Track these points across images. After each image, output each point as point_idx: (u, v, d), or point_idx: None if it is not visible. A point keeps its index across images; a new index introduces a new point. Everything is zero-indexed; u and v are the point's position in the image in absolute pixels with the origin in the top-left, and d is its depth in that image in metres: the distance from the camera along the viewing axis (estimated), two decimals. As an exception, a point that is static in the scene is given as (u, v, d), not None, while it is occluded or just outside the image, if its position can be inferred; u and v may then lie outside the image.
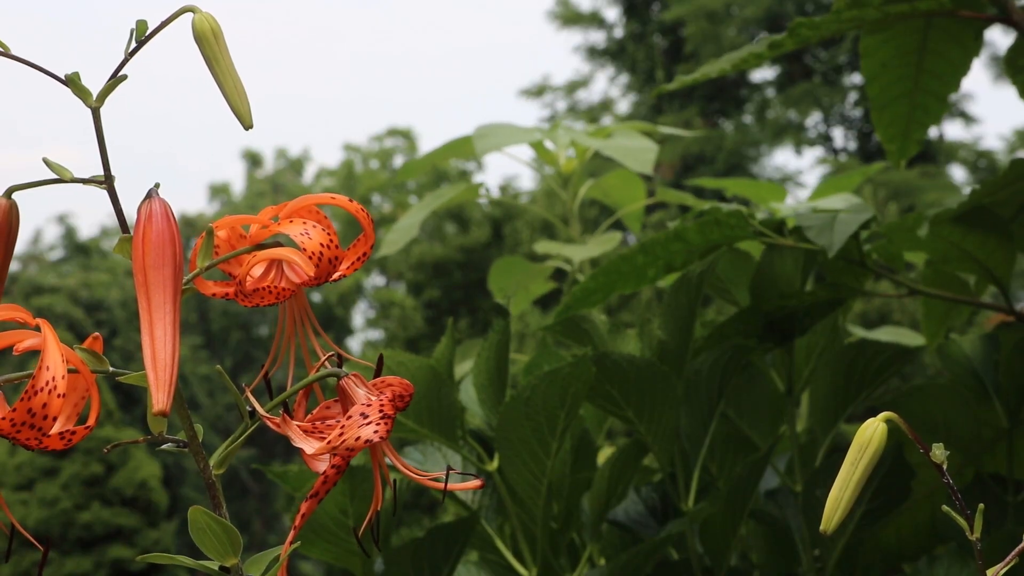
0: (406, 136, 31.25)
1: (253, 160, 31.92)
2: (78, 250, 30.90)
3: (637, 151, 3.47)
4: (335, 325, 25.36)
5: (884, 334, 3.03)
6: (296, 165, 32.26)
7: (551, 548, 2.63)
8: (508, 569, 2.65)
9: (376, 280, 26.89)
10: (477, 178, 27.99)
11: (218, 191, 32.08)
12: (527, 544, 2.60)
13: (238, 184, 33.35)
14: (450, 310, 19.70)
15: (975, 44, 2.83)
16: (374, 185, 28.04)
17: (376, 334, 24.46)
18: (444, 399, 2.51)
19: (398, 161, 30.48)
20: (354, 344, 25.03)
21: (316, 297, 25.25)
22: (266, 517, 23.69)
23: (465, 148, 3.55)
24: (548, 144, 3.69)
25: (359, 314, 26.87)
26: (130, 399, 20.32)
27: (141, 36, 1.27)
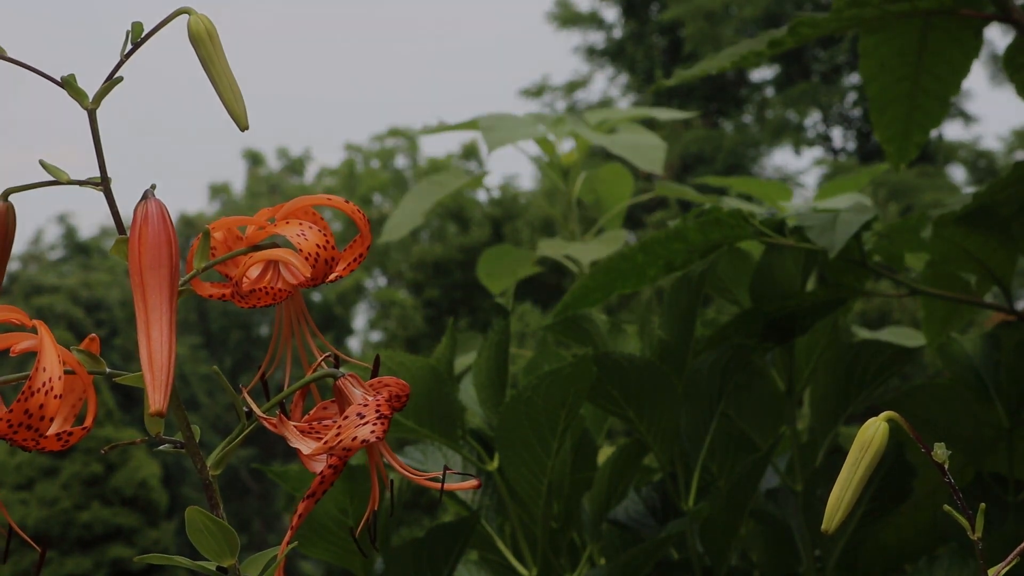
0: (407, 136, 31.22)
1: (254, 159, 31.88)
2: (78, 250, 30.86)
3: (646, 148, 3.43)
4: (335, 325, 25.33)
5: (888, 335, 3.02)
6: (297, 165, 32.21)
7: (551, 548, 2.63)
8: (508, 569, 2.65)
9: (379, 281, 26.86)
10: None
11: (218, 191, 32.03)
12: (527, 544, 2.60)
13: (239, 184, 33.30)
14: (450, 310, 19.69)
15: (975, 44, 2.83)
16: (375, 185, 28.01)
17: (377, 334, 24.44)
18: (444, 399, 2.51)
19: (399, 161, 30.43)
20: (355, 344, 25.01)
21: (316, 297, 25.23)
22: (266, 517, 23.69)
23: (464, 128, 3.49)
24: (551, 137, 3.63)
25: (360, 314, 26.85)
26: (130, 399, 20.30)
27: (137, 38, 1.26)
